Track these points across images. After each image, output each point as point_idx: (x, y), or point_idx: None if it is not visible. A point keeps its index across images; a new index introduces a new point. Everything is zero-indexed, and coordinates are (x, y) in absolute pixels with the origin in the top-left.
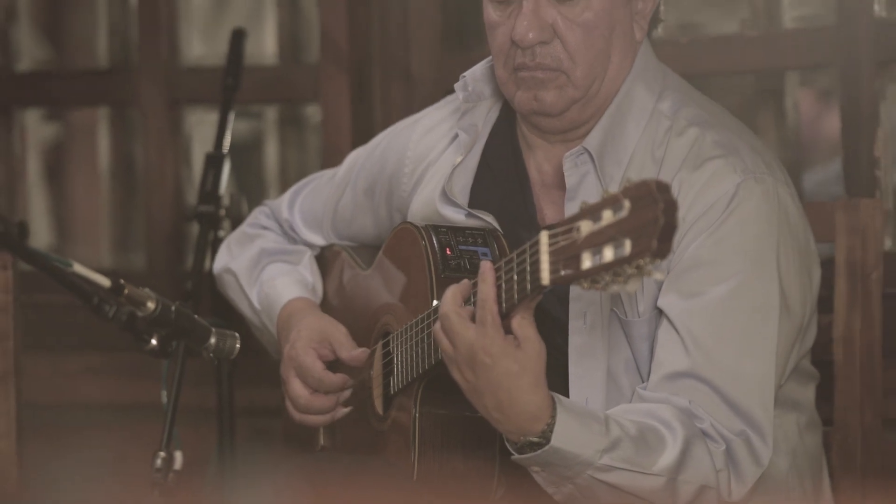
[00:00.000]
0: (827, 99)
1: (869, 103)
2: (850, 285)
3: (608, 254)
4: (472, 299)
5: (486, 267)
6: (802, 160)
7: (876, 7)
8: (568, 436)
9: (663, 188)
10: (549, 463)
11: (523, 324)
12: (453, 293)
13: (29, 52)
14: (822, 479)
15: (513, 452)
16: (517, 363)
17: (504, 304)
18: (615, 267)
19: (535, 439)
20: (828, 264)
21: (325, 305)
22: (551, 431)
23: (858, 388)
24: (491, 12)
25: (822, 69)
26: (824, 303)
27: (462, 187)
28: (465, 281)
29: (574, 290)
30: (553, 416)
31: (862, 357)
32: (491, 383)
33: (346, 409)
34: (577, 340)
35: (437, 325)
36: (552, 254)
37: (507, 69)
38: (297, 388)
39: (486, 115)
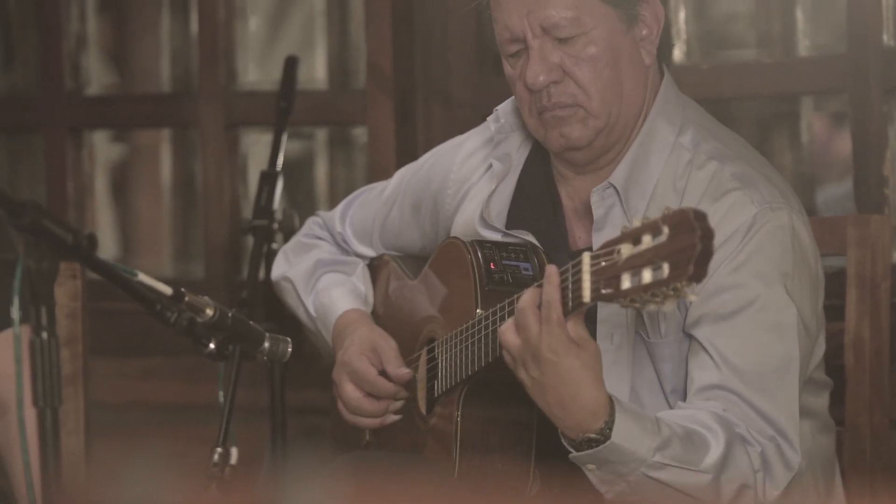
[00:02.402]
0: (839, 122)
1: (878, 126)
2: (860, 295)
3: (647, 276)
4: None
5: (551, 270)
6: (816, 179)
7: (884, 36)
8: (625, 433)
9: (700, 216)
10: (605, 460)
11: (577, 328)
12: (532, 293)
13: (97, 77)
14: (835, 479)
15: (570, 450)
16: (580, 360)
17: None
18: (653, 288)
19: (594, 436)
20: (840, 275)
21: (374, 312)
22: (610, 429)
23: (868, 390)
24: (508, 68)
25: (835, 94)
26: (836, 311)
27: (499, 212)
28: (539, 288)
29: (602, 313)
30: (612, 414)
31: (871, 362)
32: (555, 379)
33: (396, 417)
34: (604, 359)
35: (507, 323)
36: (593, 273)
37: (532, 115)
38: (349, 390)
39: (519, 146)
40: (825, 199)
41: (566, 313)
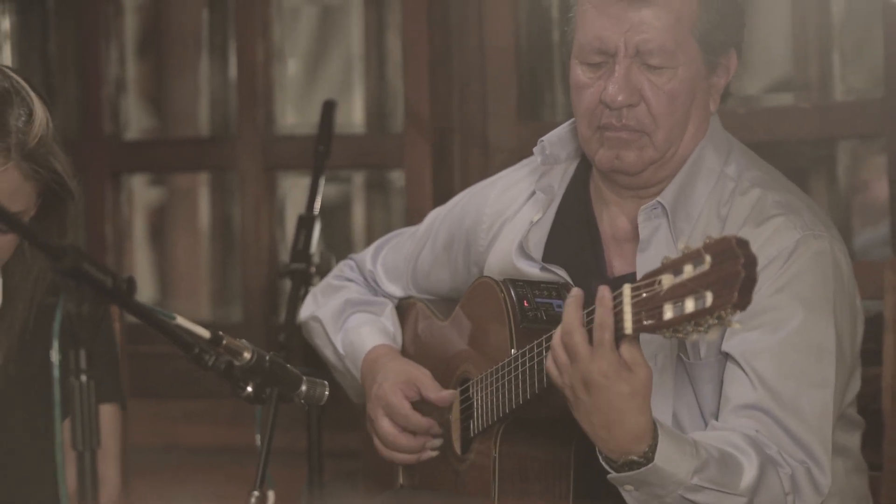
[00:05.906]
0: (876, 166)
1: None
2: None
3: (689, 305)
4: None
5: (604, 291)
6: (853, 223)
7: None
8: (667, 456)
9: (743, 244)
10: (645, 482)
11: (632, 350)
12: (577, 314)
13: (136, 121)
14: None
15: (609, 471)
16: (629, 385)
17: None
18: (697, 318)
19: (637, 458)
20: (877, 320)
21: (404, 352)
22: (653, 452)
23: None
24: (580, 74)
25: (872, 139)
26: (874, 356)
27: (537, 242)
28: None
29: (645, 335)
30: (655, 438)
31: None
32: (603, 403)
33: (434, 453)
34: None
35: (556, 340)
36: (634, 305)
37: (591, 128)
38: (385, 425)
39: (561, 177)
40: (862, 244)
41: (618, 338)
